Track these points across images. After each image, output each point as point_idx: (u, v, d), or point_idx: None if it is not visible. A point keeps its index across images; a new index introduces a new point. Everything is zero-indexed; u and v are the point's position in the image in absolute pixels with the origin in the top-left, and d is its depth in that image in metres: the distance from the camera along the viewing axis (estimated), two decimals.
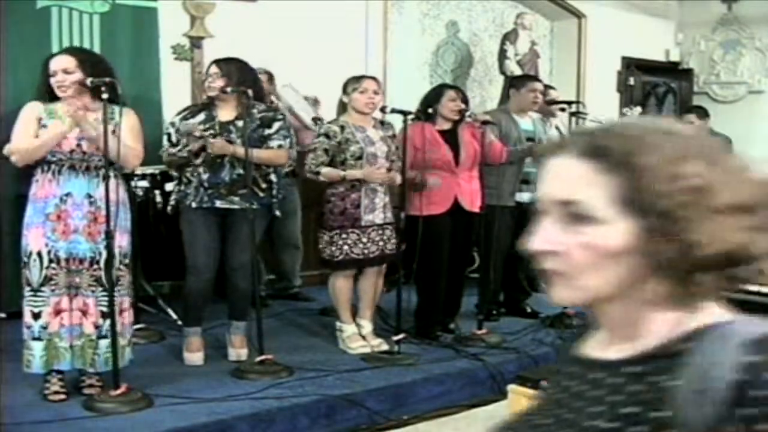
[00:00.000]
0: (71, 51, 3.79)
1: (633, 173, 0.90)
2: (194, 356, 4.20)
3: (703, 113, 7.14)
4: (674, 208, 0.88)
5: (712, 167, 0.90)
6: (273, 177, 4.25)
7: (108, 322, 3.50)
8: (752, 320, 0.91)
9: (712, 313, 0.93)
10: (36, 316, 3.48)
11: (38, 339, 3.48)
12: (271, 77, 5.44)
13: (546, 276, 0.96)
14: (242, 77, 4.12)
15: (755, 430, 0.82)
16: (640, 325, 0.95)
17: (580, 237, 0.92)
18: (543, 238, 0.95)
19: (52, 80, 3.51)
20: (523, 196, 5.31)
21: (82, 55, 3.65)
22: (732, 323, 0.90)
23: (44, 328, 3.48)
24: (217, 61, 4.19)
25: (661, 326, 0.93)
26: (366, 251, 4.42)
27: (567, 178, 0.94)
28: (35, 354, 3.49)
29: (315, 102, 5.66)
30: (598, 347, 1.01)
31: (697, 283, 0.90)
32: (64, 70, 3.50)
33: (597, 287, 0.93)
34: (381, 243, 4.46)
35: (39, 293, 3.48)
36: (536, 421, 1.02)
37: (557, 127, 6.08)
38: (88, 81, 3.44)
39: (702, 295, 0.92)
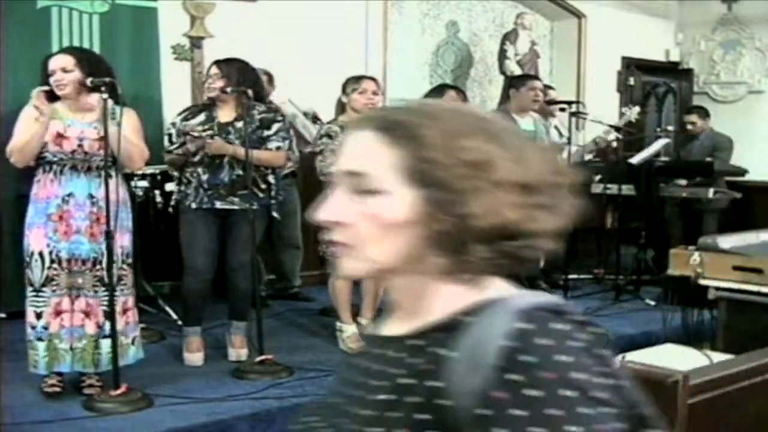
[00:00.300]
0: (69, 50, 3.80)
1: (416, 145, 0.92)
2: (194, 356, 4.20)
3: (704, 113, 7.14)
4: (453, 180, 0.90)
5: (495, 144, 0.92)
6: (271, 178, 4.25)
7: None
8: (533, 293, 0.92)
9: (497, 288, 0.95)
10: (38, 316, 3.48)
11: (41, 339, 3.49)
12: (271, 78, 5.43)
13: (333, 247, 0.97)
14: (242, 78, 4.12)
15: (524, 396, 0.82)
16: (426, 299, 0.96)
17: (365, 208, 0.94)
18: (330, 208, 0.96)
19: (51, 79, 3.51)
20: None
21: (81, 55, 3.66)
22: (512, 296, 0.91)
23: (45, 328, 3.48)
24: (217, 62, 4.19)
25: (446, 300, 0.94)
26: None
27: (357, 150, 0.96)
28: (39, 354, 3.49)
29: (315, 118, 5.63)
30: (390, 324, 1.02)
31: (474, 255, 0.91)
32: (62, 68, 3.50)
33: (381, 259, 0.94)
34: None
35: (40, 294, 3.48)
36: (331, 401, 1.03)
37: (556, 127, 6.09)
38: (88, 81, 3.44)
39: (480, 268, 0.93)
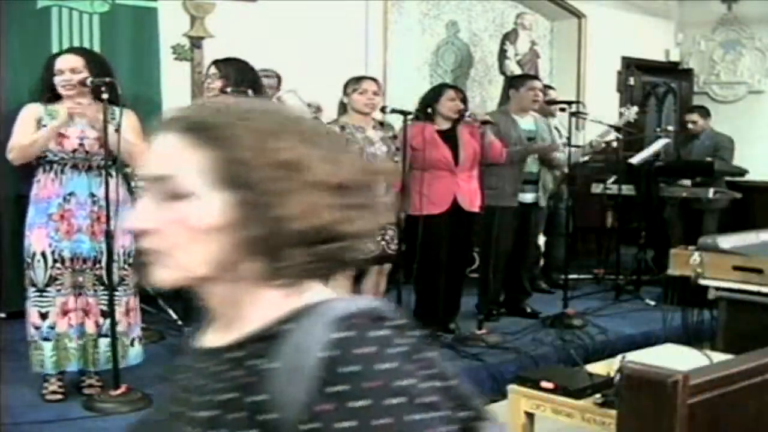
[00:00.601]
0: (78, 51, 3.78)
1: (225, 146, 0.89)
2: None
3: (705, 112, 7.14)
4: (265, 182, 0.87)
5: (307, 145, 0.90)
6: None
7: (108, 321, 3.49)
8: (351, 298, 0.90)
9: (315, 292, 0.92)
10: (44, 316, 3.47)
11: (47, 339, 3.48)
12: (280, 80, 5.42)
13: (144, 256, 0.93)
14: (241, 77, 4.11)
15: (350, 407, 0.80)
16: (243, 307, 0.93)
17: (173, 214, 0.90)
18: (137, 216, 0.92)
19: (57, 79, 3.48)
20: (526, 197, 5.32)
21: (89, 56, 3.65)
22: (330, 302, 0.89)
23: (52, 328, 3.47)
24: (216, 62, 4.19)
25: (264, 308, 0.91)
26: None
27: (162, 154, 0.92)
28: (45, 354, 3.48)
29: (318, 110, 5.64)
30: (211, 335, 0.98)
31: (291, 260, 0.88)
32: (71, 69, 3.48)
33: (193, 266, 0.91)
34: (383, 243, 4.45)
35: (45, 294, 3.47)
36: (154, 418, 1.00)
37: (556, 128, 6.09)
38: (88, 81, 3.44)
39: (298, 273, 0.90)
